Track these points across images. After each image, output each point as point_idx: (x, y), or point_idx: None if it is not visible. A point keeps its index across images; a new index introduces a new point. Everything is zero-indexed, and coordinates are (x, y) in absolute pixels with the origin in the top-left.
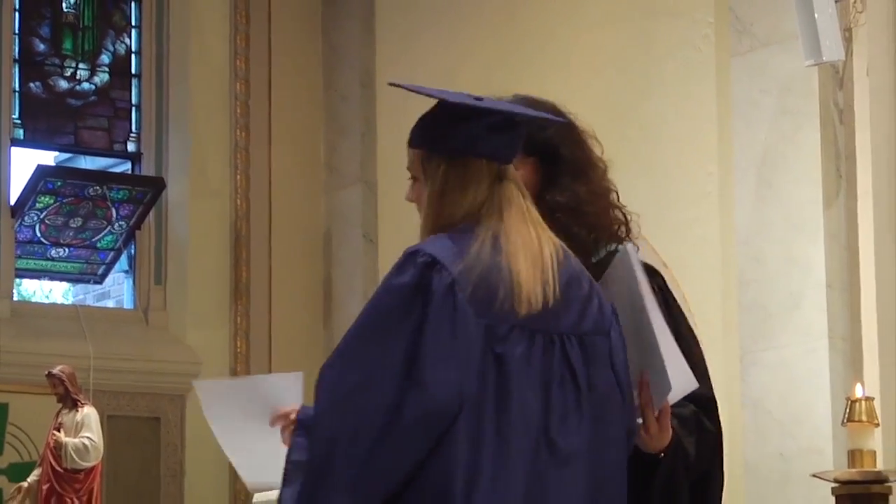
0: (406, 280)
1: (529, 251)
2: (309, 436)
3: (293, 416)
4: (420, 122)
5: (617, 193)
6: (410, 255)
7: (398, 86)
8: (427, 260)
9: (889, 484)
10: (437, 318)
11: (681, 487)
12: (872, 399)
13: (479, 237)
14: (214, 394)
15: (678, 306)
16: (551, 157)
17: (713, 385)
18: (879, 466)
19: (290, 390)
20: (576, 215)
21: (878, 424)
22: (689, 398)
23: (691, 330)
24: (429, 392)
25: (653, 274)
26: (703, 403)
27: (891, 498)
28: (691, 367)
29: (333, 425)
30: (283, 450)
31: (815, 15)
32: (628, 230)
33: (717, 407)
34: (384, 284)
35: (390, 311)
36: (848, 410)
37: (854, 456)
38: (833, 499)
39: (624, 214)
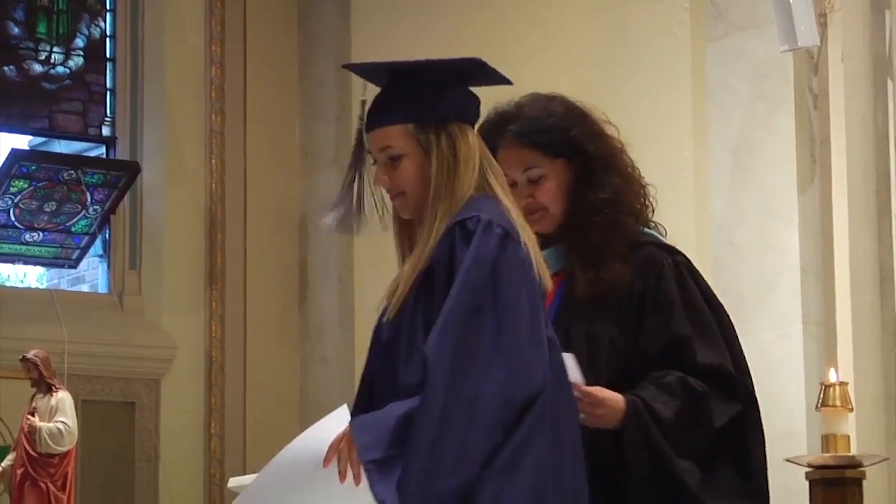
0: (493, 254)
1: (524, 223)
2: (403, 427)
3: (342, 436)
4: (394, 98)
5: (637, 170)
6: (487, 226)
7: (352, 68)
8: (501, 232)
9: (863, 469)
10: (528, 294)
11: (657, 448)
12: (846, 384)
13: (503, 205)
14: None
15: (701, 278)
16: (580, 156)
17: None
18: (853, 451)
19: (342, 422)
20: (619, 206)
21: (851, 409)
22: (698, 368)
23: (712, 303)
24: (533, 374)
25: (674, 252)
26: (709, 372)
27: (864, 483)
28: (711, 339)
29: (445, 406)
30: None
31: (790, 0)
32: (651, 207)
33: (727, 373)
34: (474, 259)
35: (485, 288)
36: (822, 395)
37: (828, 441)
38: (807, 483)
39: (646, 190)
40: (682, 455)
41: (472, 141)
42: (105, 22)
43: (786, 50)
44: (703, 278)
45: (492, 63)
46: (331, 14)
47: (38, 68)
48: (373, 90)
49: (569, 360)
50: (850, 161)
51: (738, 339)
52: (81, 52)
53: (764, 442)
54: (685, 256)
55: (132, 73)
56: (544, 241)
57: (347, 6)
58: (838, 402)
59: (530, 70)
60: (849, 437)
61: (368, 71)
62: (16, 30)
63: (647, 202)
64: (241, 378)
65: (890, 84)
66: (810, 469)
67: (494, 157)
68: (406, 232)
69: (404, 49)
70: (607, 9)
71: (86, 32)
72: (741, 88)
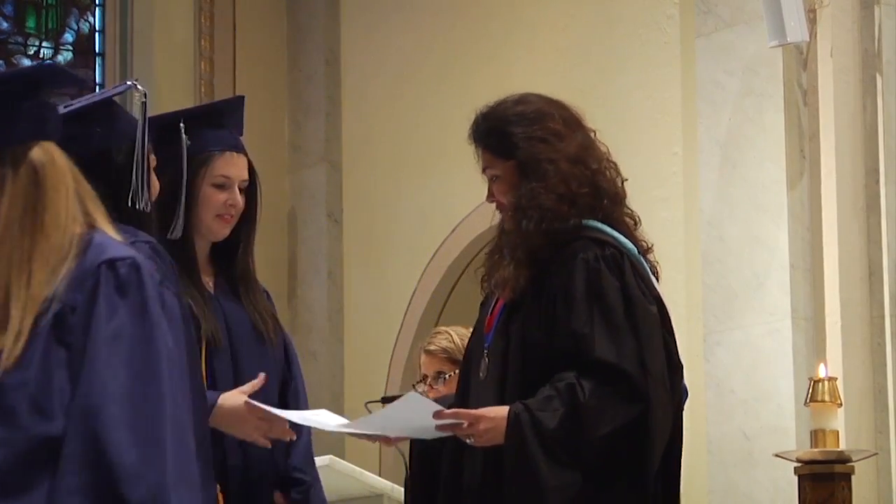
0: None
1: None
2: None
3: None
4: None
5: (599, 164)
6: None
7: None
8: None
9: (851, 464)
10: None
11: (535, 457)
12: (835, 379)
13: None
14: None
15: (631, 273)
16: (518, 159)
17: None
18: (842, 446)
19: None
20: (524, 211)
21: (840, 404)
22: (594, 365)
23: (632, 299)
24: None
25: (604, 246)
26: (605, 370)
27: (853, 478)
28: (614, 336)
29: None
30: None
31: None
32: (605, 209)
33: (623, 372)
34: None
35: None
36: (811, 390)
37: (817, 436)
38: (796, 479)
39: (601, 200)
40: (569, 465)
41: (60, 163)
42: (94, 17)
43: (775, 45)
44: (634, 273)
45: (481, 59)
46: (320, 9)
47: (27, 63)
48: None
49: (414, 398)
50: (839, 157)
51: (659, 338)
52: (70, 47)
53: (654, 446)
54: (618, 250)
55: (121, 67)
56: None
57: (337, 1)
58: (827, 398)
59: (519, 66)
60: (837, 432)
61: None
62: (4, 24)
63: (600, 204)
64: None
65: (879, 80)
66: (799, 464)
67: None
68: None
69: (394, 44)
70: (595, 4)
71: (75, 27)
72: (730, 84)
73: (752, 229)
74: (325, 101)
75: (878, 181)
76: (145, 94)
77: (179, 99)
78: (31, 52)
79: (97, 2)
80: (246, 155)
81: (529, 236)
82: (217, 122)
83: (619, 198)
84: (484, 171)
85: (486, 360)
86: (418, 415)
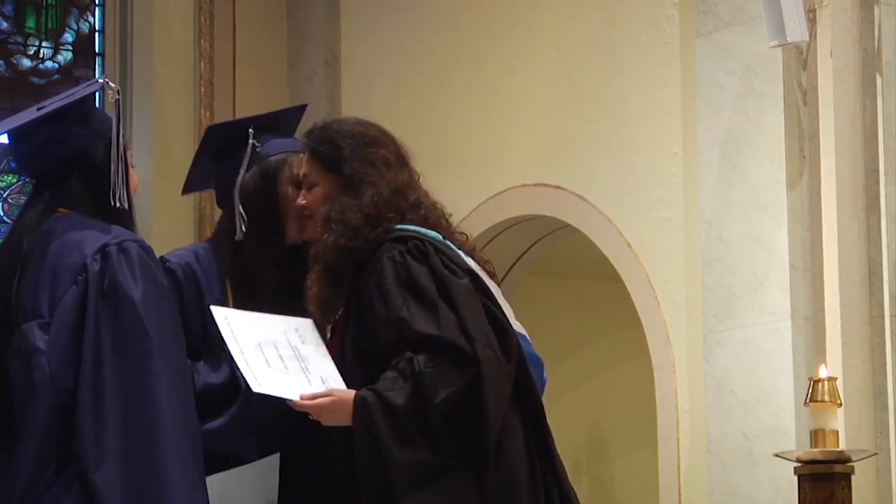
0: None
1: None
2: None
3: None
4: None
5: (418, 199)
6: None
7: None
8: None
9: (851, 464)
10: None
11: (382, 436)
12: (835, 379)
13: None
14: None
15: (436, 257)
16: (341, 174)
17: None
18: (842, 446)
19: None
20: (328, 224)
21: (840, 404)
22: (419, 341)
23: (442, 277)
24: None
25: (407, 240)
26: (430, 343)
27: (853, 478)
28: (428, 311)
29: None
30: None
31: None
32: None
33: (447, 341)
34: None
35: None
36: (811, 390)
37: (817, 436)
38: (795, 478)
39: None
40: (418, 443)
41: None
42: (94, 16)
43: (775, 45)
44: (439, 254)
45: (481, 59)
46: (320, 9)
47: (26, 63)
48: None
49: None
50: (838, 157)
51: (477, 305)
52: (70, 47)
53: (489, 407)
54: (420, 240)
55: (121, 67)
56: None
57: (337, 1)
58: (827, 398)
59: (519, 66)
60: (837, 432)
61: None
62: (4, 24)
63: (408, 218)
64: None
65: (879, 80)
66: (799, 464)
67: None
68: None
69: (393, 44)
70: (595, 4)
71: (75, 27)
72: (730, 84)
73: (752, 229)
74: (325, 101)
75: (878, 181)
76: (118, 91)
77: (179, 99)
78: (31, 52)
79: (97, 2)
80: None
81: (327, 250)
82: (284, 128)
83: (434, 227)
84: (303, 175)
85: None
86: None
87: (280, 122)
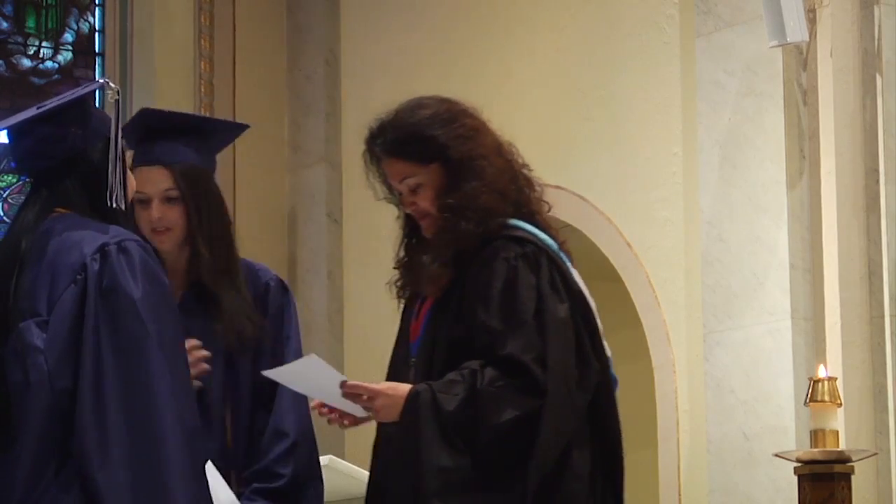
0: None
1: None
2: None
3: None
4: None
5: (517, 166)
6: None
7: None
8: None
9: (851, 464)
10: None
11: (427, 435)
12: (835, 379)
13: None
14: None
15: (549, 270)
16: (446, 160)
17: (673, 362)
18: (842, 446)
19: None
20: (462, 210)
21: (840, 404)
22: (499, 359)
23: (544, 296)
24: None
25: (524, 244)
26: (508, 364)
27: (853, 478)
28: (520, 331)
29: None
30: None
31: None
32: (531, 206)
33: (524, 367)
34: None
35: None
36: (811, 390)
37: (817, 436)
38: (795, 478)
39: (523, 184)
40: (460, 450)
41: None
42: (94, 16)
43: (775, 45)
44: (552, 269)
45: (481, 59)
46: (320, 9)
47: (26, 63)
48: None
49: (313, 360)
50: (838, 157)
51: (568, 336)
52: (70, 47)
53: (545, 443)
54: (537, 247)
55: (121, 67)
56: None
57: (337, 1)
58: (827, 398)
59: (519, 66)
60: (837, 432)
61: None
62: (4, 24)
63: (529, 200)
64: None
65: (879, 80)
66: (799, 464)
67: (379, 168)
68: None
69: (393, 43)
70: (595, 4)
71: (75, 27)
72: (730, 84)
73: (752, 229)
74: (325, 101)
75: (878, 181)
76: (118, 92)
77: (179, 99)
78: (31, 52)
79: (97, 2)
80: (167, 166)
81: (467, 237)
82: (219, 140)
83: (531, 183)
84: (399, 181)
85: (413, 370)
86: (319, 379)
87: (216, 132)
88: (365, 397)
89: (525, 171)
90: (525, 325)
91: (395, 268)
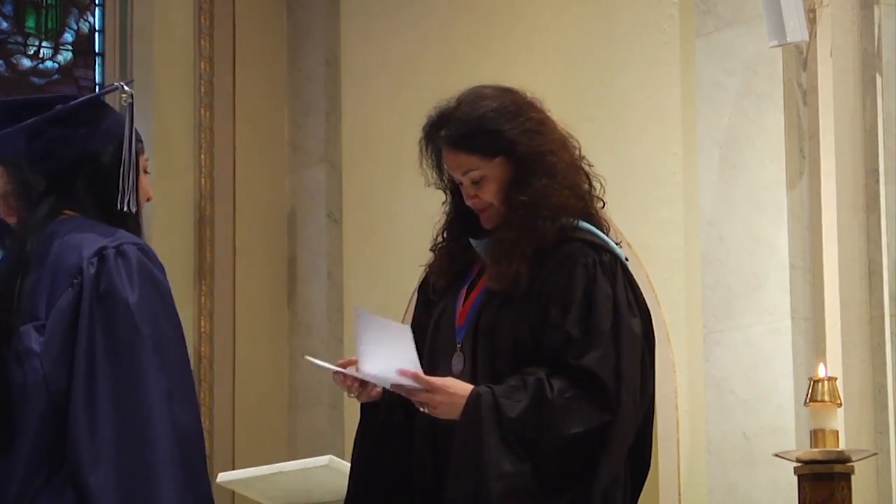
0: None
1: None
2: None
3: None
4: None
5: (583, 165)
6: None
7: None
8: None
9: (851, 464)
10: None
11: (489, 440)
12: (835, 379)
13: None
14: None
15: (624, 282)
16: (513, 154)
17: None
18: (842, 446)
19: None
20: (537, 208)
21: (840, 404)
22: (574, 370)
23: (620, 308)
24: None
25: (601, 251)
26: (583, 376)
27: (853, 478)
28: (597, 343)
29: None
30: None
31: None
32: (597, 200)
33: (598, 380)
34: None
35: None
36: (811, 390)
37: (817, 436)
38: (795, 478)
39: (589, 184)
40: (521, 457)
41: None
42: (94, 16)
43: (775, 45)
44: (626, 281)
45: (481, 59)
46: (320, 9)
47: (26, 63)
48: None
49: (407, 333)
50: (838, 157)
51: (638, 352)
52: (70, 47)
53: (610, 459)
54: (613, 255)
55: (121, 67)
56: (487, 233)
57: (337, 1)
58: (827, 398)
59: (519, 66)
60: (837, 432)
61: None
62: (4, 24)
63: (590, 196)
64: (230, 373)
65: (879, 80)
66: (799, 464)
67: (439, 158)
68: None
69: (393, 43)
70: (595, 4)
71: (75, 27)
72: (730, 84)
73: (752, 229)
74: (325, 101)
75: (878, 181)
76: (132, 96)
77: (179, 99)
78: (31, 52)
79: (97, 2)
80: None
81: (546, 235)
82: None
83: (590, 178)
84: (462, 174)
85: (462, 354)
86: (395, 350)
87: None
88: (425, 389)
89: (585, 165)
90: (603, 337)
91: (431, 250)
